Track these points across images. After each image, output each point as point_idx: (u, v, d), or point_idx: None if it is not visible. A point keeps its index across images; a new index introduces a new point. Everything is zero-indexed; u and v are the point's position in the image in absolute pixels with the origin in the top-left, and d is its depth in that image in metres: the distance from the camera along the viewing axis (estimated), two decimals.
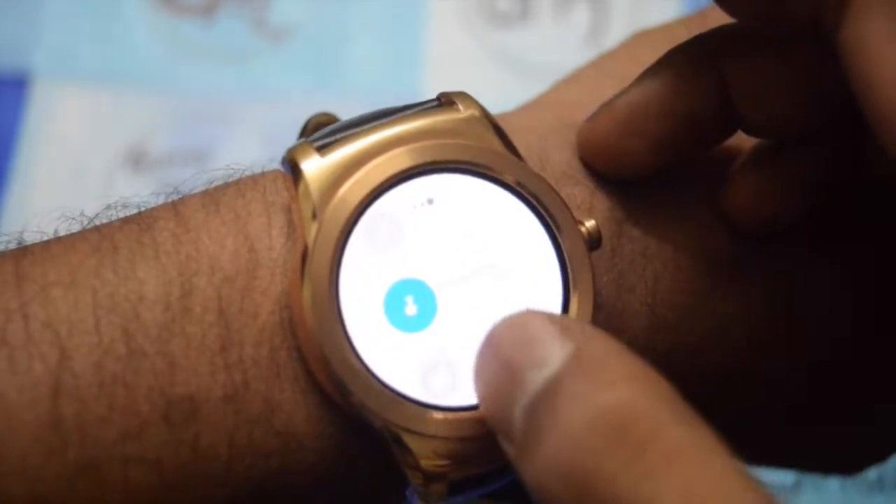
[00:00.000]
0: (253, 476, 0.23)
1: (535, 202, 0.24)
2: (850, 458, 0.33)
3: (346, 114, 0.27)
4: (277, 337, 0.24)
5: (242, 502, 0.23)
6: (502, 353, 0.21)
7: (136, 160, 0.57)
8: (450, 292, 0.24)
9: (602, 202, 0.27)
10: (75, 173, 0.56)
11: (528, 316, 0.21)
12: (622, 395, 0.19)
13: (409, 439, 0.23)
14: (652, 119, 0.26)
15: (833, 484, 0.50)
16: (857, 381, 0.30)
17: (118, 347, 0.23)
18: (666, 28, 0.32)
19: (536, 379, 0.20)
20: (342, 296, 0.23)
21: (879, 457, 0.32)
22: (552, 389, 0.20)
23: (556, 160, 0.28)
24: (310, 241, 0.23)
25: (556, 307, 0.24)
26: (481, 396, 0.22)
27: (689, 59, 0.26)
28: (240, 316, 0.23)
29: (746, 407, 0.29)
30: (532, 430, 0.20)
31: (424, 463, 0.23)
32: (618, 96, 0.27)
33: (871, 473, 0.50)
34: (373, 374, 0.23)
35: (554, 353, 0.20)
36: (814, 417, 0.30)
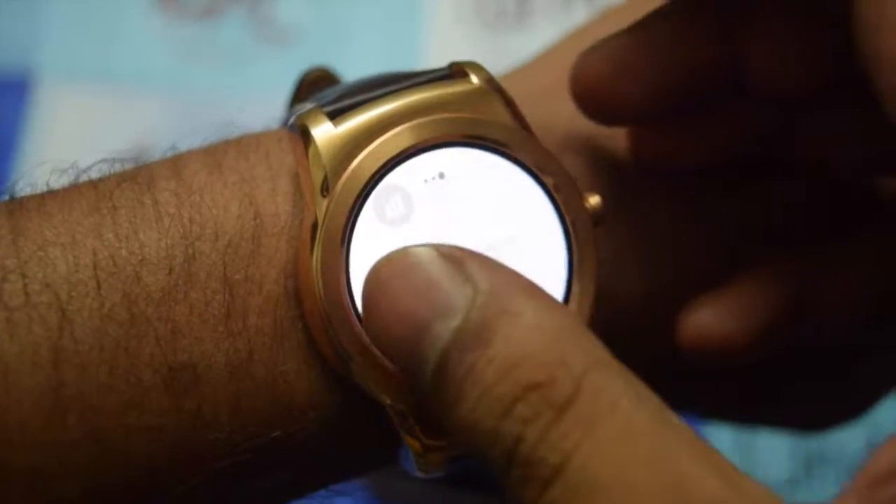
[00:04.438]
0: (254, 446, 0.23)
1: (543, 178, 0.24)
2: (818, 415, 0.33)
3: None
4: (282, 307, 0.23)
5: (242, 471, 0.23)
6: (398, 301, 0.20)
7: (138, 161, 0.56)
8: None
9: (603, 174, 0.27)
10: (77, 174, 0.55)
11: (417, 255, 0.20)
12: (534, 348, 0.19)
13: (410, 413, 0.23)
14: (651, 61, 0.25)
15: (828, 481, 0.51)
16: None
17: (120, 312, 0.22)
18: None
19: (443, 332, 0.19)
20: (352, 269, 0.23)
21: (847, 416, 0.33)
22: (461, 342, 0.19)
23: (559, 128, 0.27)
24: (320, 211, 0.23)
25: (560, 283, 0.24)
26: (383, 348, 0.21)
27: (698, 4, 0.25)
28: (244, 284, 0.23)
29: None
30: (447, 386, 0.19)
31: (424, 436, 0.23)
32: (617, 34, 0.26)
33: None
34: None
35: (455, 299, 0.19)
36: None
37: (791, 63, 0.25)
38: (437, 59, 0.60)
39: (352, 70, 0.59)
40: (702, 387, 0.31)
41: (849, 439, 0.50)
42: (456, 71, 0.25)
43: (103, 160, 0.24)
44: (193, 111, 0.57)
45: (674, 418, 0.18)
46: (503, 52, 0.59)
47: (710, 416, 0.37)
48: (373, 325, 0.21)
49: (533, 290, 0.20)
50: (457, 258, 0.20)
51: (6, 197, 0.24)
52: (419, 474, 0.23)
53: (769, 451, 0.50)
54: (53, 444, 0.21)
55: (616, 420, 0.18)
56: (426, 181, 0.24)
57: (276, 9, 0.60)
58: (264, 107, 0.58)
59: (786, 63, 0.25)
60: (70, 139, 0.56)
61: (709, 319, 0.27)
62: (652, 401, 0.18)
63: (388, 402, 0.23)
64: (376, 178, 0.23)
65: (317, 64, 0.28)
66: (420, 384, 0.20)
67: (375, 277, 0.20)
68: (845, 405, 0.33)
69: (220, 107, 0.57)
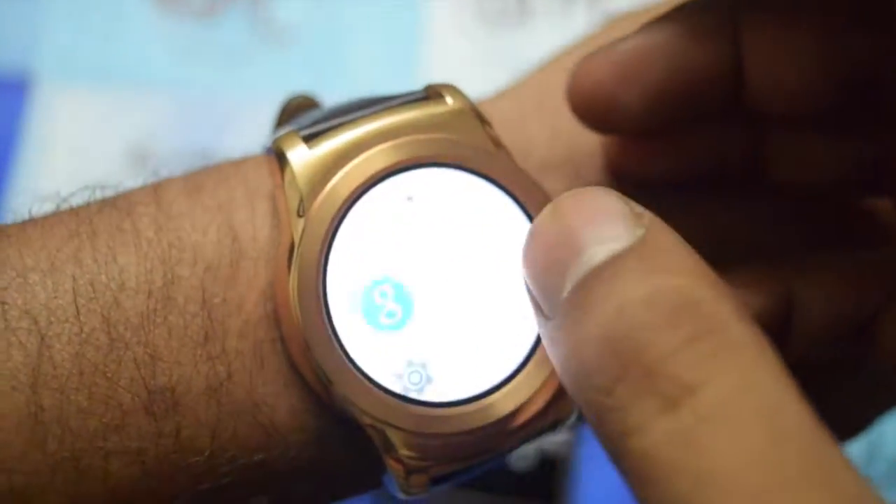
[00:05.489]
0: (235, 468, 0.23)
1: (519, 198, 0.24)
2: None
3: None
4: (261, 329, 0.23)
5: (223, 494, 0.23)
6: (566, 222, 0.19)
7: (139, 161, 0.56)
8: (429, 290, 0.24)
9: None
10: (78, 173, 0.55)
11: (600, 191, 0.20)
12: (687, 281, 0.18)
13: (391, 434, 0.23)
14: (654, 68, 0.25)
15: None
16: None
17: (99, 336, 0.22)
18: (646, 12, 0.30)
19: (598, 253, 0.19)
20: (329, 290, 0.23)
21: (840, 438, 0.33)
22: (613, 266, 0.18)
23: (537, 151, 0.28)
24: (296, 234, 0.23)
25: None
26: (529, 261, 0.20)
27: (705, 13, 0.25)
28: (223, 307, 0.23)
29: None
30: (581, 301, 0.18)
31: (406, 457, 0.23)
32: (620, 41, 0.25)
33: (866, 470, 0.51)
34: (357, 368, 0.23)
35: (622, 233, 0.19)
36: None
37: (794, 78, 0.25)
38: (437, 60, 0.61)
39: (352, 70, 0.60)
40: None
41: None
42: (432, 93, 0.25)
43: (85, 187, 0.25)
44: (193, 111, 0.57)
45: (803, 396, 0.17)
46: (503, 52, 0.60)
47: None
48: (532, 244, 0.20)
49: (696, 254, 0.19)
50: (638, 209, 0.20)
51: None
52: (402, 496, 0.24)
53: None
54: (33, 467, 0.21)
55: (771, 365, 0.17)
56: (402, 202, 0.24)
57: (276, 8, 0.60)
58: (264, 107, 0.59)
59: (789, 77, 0.25)
60: (70, 139, 0.56)
61: None
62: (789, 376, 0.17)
63: (369, 421, 0.23)
64: (351, 200, 0.23)
65: (301, 92, 0.28)
66: (552, 303, 0.19)
67: (556, 203, 0.20)
68: (836, 426, 0.33)
69: (219, 107, 0.58)
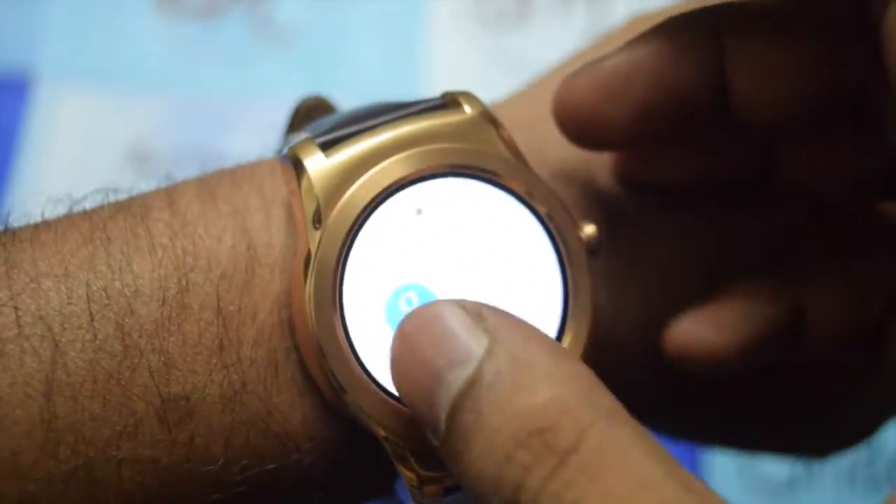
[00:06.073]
0: (248, 478, 0.23)
1: (536, 207, 0.24)
2: (814, 443, 0.33)
3: None
4: (276, 338, 0.23)
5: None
6: (418, 351, 0.20)
7: (139, 161, 0.56)
8: (452, 297, 0.23)
9: (596, 201, 0.27)
10: (78, 174, 0.55)
11: (439, 307, 0.20)
12: (542, 396, 0.18)
13: (404, 444, 0.23)
14: (637, 85, 0.25)
15: (828, 482, 0.51)
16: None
17: (113, 344, 0.22)
18: (667, 12, 0.30)
19: (456, 379, 0.19)
20: (345, 300, 0.23)
21: (846, 444, 0.33)
22: (472, 390, 0.19)
23: (552, 156, 0.27)
24: (313, 243, 0.23)
25: (556, 312, 0.24)
26: (404, 397, 0.21)
27: (688, 28, 0.25)
28: (238, 315, 0.23)
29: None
30: (457, 433, 0.19)
31: (419, 467, 0.23)
32: (605, 57, 0.25)
33: (866, 471, 0.51)
34: (372, 379, 0.23)
35: (471, 349, 0.19)
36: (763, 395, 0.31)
37: (777, 91, 0.25)
38: (437, 60, 0.61)
39: (351, 70, 0.60)
40: (684, 418, 0.31)
41: None
42: (449, 101, 0.25)
43: (97, 190, 0.24)
44: (193, 111, 0.57)
45: (685, 472, 0.18)
46: (503, 52, 0.60)
47: (705, 445, 0.37)
48: (395, 374, 0.21)
49: (547, 343, 0.20)
50: (475, 310, 0.20)
51: (0, 227, 0.24)
52: None
53: None
54: (46, 475, 0.21)
55: (624, 471, 0.17)
56: (419, 212, 0.24)
57: (276, 9, 0.61)
58: (264, 107, 0.59)
59: (772, 90, 0.25)
60: (70, 139, 0.56)
61: (692, 328, 0.27)
62: (662, 453, 0.18)
63: (383, 433, 0.23)
64: (368, 209, 0.23)
65: (313, 93, 0.28)
66: (436, 433, 0.20)
67: (400, 329, 0.21)
68: (843, 431, 0.33)
69: (219, 107, 0.58)
